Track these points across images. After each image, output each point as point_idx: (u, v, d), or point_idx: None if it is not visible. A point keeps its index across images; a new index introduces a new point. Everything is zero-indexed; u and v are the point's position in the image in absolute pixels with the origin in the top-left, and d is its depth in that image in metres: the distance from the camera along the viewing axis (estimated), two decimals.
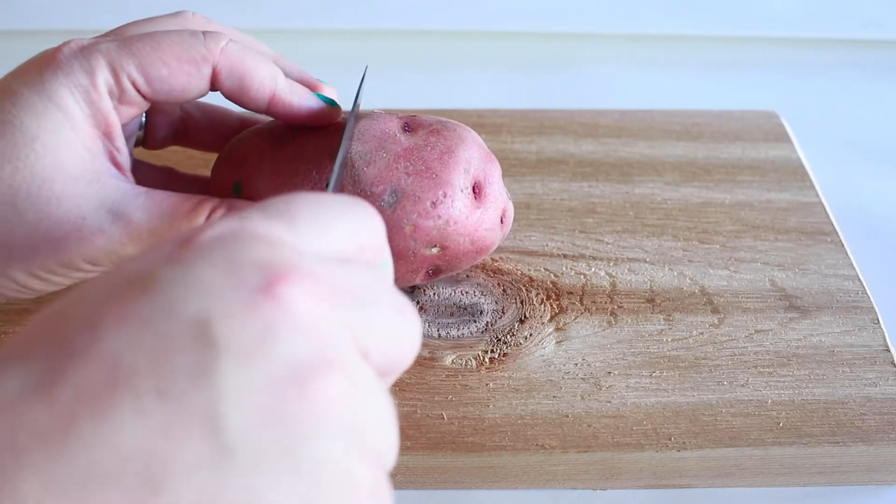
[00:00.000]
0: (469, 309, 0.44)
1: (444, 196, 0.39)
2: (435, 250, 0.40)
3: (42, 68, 0.33)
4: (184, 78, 0.34)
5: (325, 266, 0.22)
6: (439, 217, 0.39)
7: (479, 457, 0.38)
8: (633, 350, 0.42)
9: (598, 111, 0.58)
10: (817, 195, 0.52)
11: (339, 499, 0.19)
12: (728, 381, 0.41)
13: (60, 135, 0.33)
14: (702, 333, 0.43)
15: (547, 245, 0.48)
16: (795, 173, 0.53)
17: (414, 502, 0.39)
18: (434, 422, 0.39)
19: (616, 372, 0.41)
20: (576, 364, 0.41)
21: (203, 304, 0.19)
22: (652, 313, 0.44)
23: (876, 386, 0.41)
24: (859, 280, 0.46)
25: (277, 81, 0.36)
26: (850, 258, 0.48)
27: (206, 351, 0.19)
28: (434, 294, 0.44)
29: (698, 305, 0.45)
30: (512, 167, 0.53)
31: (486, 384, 0.41)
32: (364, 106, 0.42)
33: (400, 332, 0.23)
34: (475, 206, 0.40)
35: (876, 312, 0.44)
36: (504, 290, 0.45)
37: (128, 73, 0.34)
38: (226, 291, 0.20)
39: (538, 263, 0.47)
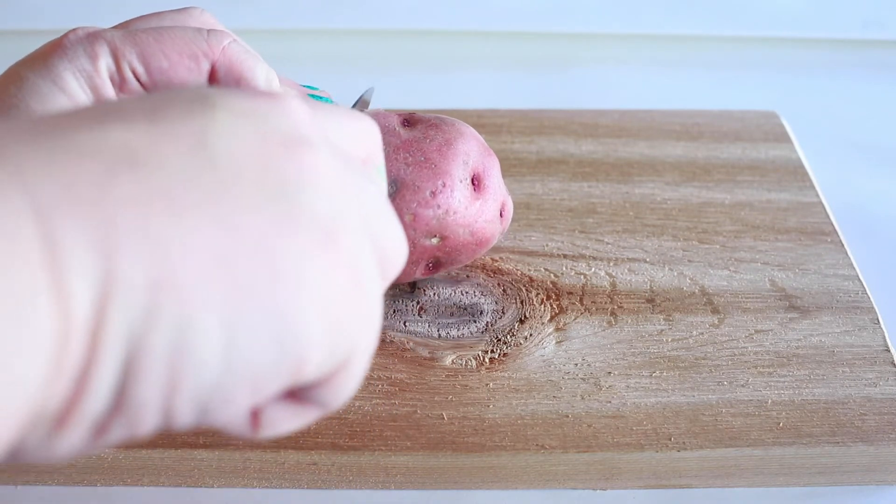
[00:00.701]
0: (469, 309, 0.44)
1: (444, 186, 0.39)
2: (435, 241, 0.40)
3: (48, 54, 0.33)
4: (183, 72, 0.34)
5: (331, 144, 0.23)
6: (439, 206, 0.39)
7: (478, 457, 0.38)
8: (633, 350, 0.42)
9: (598, 111, 0.58)
10: (817, 195, 0.52)
11: (312, 246, 0.20)
12: (728, 381, 0.41)
13: None
14: (702, 333, 0.43)
15: (547, 245, 0.48)
16: (795, 173, 0.53)
17: (414, 502, 0.39)
18: (434, 422, 0.39)
19: (616, 372, 0.41)
20: (576, 364, 0.41)
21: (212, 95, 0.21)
22: (652, 313, 0.44)
23: (876, 386, 0.41)
24: (859, 280, 0.46)
25: (272, 86, 0.37)
26: (850, 258, 0.47)
27: (203, 105, 0.21)
28: (434, 294, 0.44)
29: (698, 305, 0.45)
30: (512, 167, 0.53)
31: (486, 384, 0.41)
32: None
33: (391, 224, 0.24)
34: (474, 198, 0.40)
35: (876, 312, 0.44)
36: (504, 290, 0.45)
37: (129, 61, 0.34)
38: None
39: (538, 263, 0.47)
